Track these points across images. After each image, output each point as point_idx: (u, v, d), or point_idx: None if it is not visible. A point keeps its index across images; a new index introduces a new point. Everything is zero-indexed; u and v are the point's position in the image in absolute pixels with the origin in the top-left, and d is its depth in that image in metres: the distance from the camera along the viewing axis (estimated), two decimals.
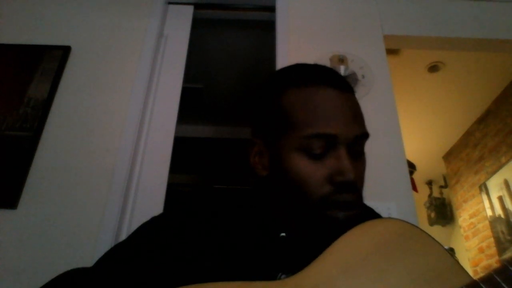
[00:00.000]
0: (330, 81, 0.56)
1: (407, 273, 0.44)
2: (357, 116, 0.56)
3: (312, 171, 0.51)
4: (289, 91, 0.56)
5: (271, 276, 0.50)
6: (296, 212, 0.54)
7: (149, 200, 1.38)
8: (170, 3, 1.84)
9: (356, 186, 0.52)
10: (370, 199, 0.60)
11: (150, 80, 1.59)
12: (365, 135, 0.56)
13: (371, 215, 0.63)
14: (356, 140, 0.54)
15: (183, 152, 2.24)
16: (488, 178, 2.98)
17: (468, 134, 3.33)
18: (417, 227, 0.48)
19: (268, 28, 1.91)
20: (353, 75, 1.54)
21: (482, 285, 0.39)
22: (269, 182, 0.58)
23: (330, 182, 0.51)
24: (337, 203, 0.51)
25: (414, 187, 2.08)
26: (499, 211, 2.84)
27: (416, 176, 3.12)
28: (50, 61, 1.58)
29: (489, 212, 2.98)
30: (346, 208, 0.51)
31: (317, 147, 0.52)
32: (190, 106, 2.80)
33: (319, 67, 0.61)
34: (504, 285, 0.38)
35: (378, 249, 0.46)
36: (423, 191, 4.07)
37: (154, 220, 0.60)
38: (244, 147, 0.62)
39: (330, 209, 0.51)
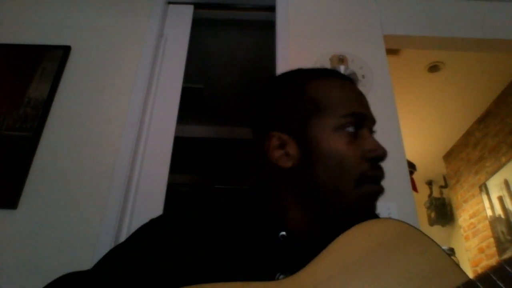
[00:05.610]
0: (345, 77, 0.65)
1: (404, 273, 0.44)
2: (369, 106, 0.63)
3: (350, 149, 0.55)
4: (314, 82, 0.61)
5: (269, 276, 0.50)
6: (331, 192, 0.55)
7: (149, 200, 1.38)
8: (170, 3, 1.84)
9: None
10: None
11: (150, 80, 1.59)
12: (375, 122, 0.63)
13: (369, 215, 0.63)
14: (373, 124, 0.61)
15: (183, 152, 2.24)
16: (488, 178, 2.98)
17: (468, 134, 3.33)
18: (414, 227, 0.48)
19: (268, 28, 1.91)
20: (353, 75, 1.54)
21: (478, 283, 0.39)
22: (296, 170, 0.58)
23: (364, 159, 0.56)
24: (372, 177, 0.56)
25: (414, 187, 2.08)
26: (499, 211, 2.84)
27: (416, 176, 3.11)
28: (50, 61, 1.58)
29: (489, 212, 2.98)
30: (378, 182, 0.57)
31: (351, 126, 0.57)
32: (190, 106, 2.81)
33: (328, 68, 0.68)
34: (500, 283, 0.38)
35: (376, 249, 0.46)
36: (423, 191, 4.07)
37: (152, 222, 0.60)
38: (247, 147, 0.63)
39: (366, 183, 0.55)
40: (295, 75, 0.66)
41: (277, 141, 0.59)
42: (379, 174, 0.57)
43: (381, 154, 0.56)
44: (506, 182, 2.75)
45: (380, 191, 0.57)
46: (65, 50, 1.61)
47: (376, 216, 0.61)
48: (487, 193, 2.99)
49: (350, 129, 0.57)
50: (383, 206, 1.29)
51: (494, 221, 2.91)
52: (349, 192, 0.54)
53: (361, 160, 0.55)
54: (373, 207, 0.57)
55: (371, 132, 0.61)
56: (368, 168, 0.55)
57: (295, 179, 0.58)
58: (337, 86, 0.61)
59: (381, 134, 0.68)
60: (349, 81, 0.64)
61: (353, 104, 0.59)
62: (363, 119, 0.58)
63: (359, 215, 0.53)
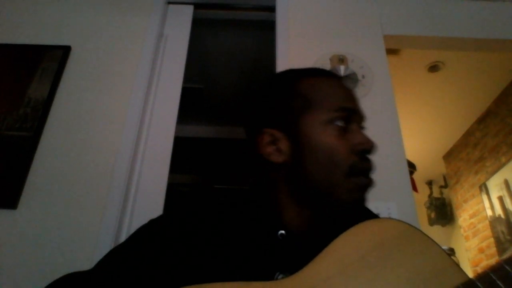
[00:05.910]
0: (335, 75, 0.68)
1: (404, 273, 0.44)
2: (359, 102, 0.65)
3: (340, 143, 0.57)
4: (305, 80, 0.63)
5: (269, 276, 0.50)
6: (322, 185, 0.56)
7: (149, 200, 1.38)
8: (170, 3, 1.84)
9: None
10: (370, 199, 0.60)
11: (150, 80, 1.59)
12: (365, 118, 0.64)
13: (369, 215, 0.63)
14: (362, 120, 0.62)
15: (183, 152, 2.24)
16: (488, 178, 2.98)
17: (468, 134, 3.33)
18: (414, 227, 0.48)
19: (268, 28, 1.91)
20: (353, 75, 1.54)
21: (478, 283, 0.39)
22: (288, 165, 0.59)
23: (354, 152, 0.57)
24: (361, 170, 0.57)
25: (414, 187, 2.08)
26: (499, 211, 2.84)
27: (416, 176, 3.12)
28: (50, 61, 1.58)
29: (489, 212, 2.98)
30: (367, 174, 0.58)
31: (340, 120, 0.58)
32: (190, 106, 2.81)
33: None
34: (499, 283, 0.38)
35: (375, 249, 0.46)
36: (423, 191, 4.07)
37: (152, 223, 0.60)
38: (246, 145, 0.64)
39: (356, 176, 0.56)
40: (286, 74, 0.68)
41: (269, 137, 0.61)
42: (368, 166, 0.58)
43: (370, 147, 0.58)
44: (506, 182, 2.75)
45: (369, 183, 0.58)
46: (65, 50, 1.61)
47: (374, 215, 0.61)
48: (487, 193, 2.99)
49: (340, 123, 0.58)
50: (383, 206, 1.29)
51: (494, 221, 2.91)
52: (339, 185, 0.55)
53: (350, 153, 0.56)
54: (363, 200, 0.58)
55: (361, 127, 0.62)
56: (357, 161, 0.57)
57: (288, 174, 0.59)
58: (327, 83, 0.63)
59: (381, 134, 0.69)
60: (339, 79, 0.66)
61: (343, 99, 0.60)
62: (352, 114, 0.60)
63: (350, 209, 0.55)
